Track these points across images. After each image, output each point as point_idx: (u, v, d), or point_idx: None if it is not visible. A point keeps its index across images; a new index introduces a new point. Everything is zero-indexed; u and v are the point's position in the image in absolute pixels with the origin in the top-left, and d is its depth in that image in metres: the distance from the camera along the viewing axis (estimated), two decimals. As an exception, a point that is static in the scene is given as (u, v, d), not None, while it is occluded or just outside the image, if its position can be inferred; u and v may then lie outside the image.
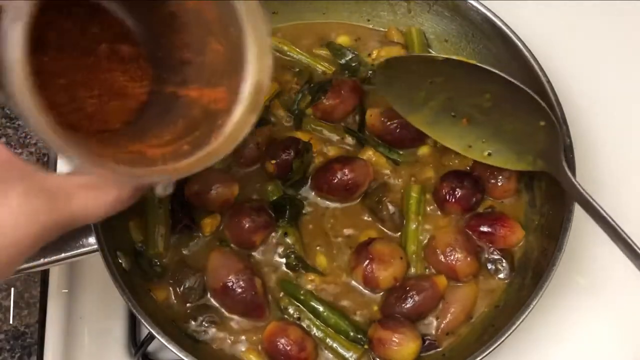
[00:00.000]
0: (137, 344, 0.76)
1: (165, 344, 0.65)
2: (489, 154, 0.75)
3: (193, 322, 0.72)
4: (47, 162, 0.81)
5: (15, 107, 0.44)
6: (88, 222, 0.48)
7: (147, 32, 0.58)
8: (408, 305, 0.70)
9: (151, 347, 0.76)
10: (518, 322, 0.66)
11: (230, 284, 0.70)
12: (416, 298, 0.71)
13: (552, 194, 0.75)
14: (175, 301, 0.73)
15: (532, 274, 0.72)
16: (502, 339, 0.66)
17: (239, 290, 0.70)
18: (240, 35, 0.54)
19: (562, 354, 0.79)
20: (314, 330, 0.72)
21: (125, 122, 0.58)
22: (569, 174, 0.68)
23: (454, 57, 0.71)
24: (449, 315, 0.72)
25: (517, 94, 0.69)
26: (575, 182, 0.68)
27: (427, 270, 0.74)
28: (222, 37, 0.55)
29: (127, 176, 0.48)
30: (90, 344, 0.78)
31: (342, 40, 0.86)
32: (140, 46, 0.59)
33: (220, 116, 0.54)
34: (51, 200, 0.45)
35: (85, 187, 0.47)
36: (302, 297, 0.72)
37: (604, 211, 0.65)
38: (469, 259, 0.72)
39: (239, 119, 0.54)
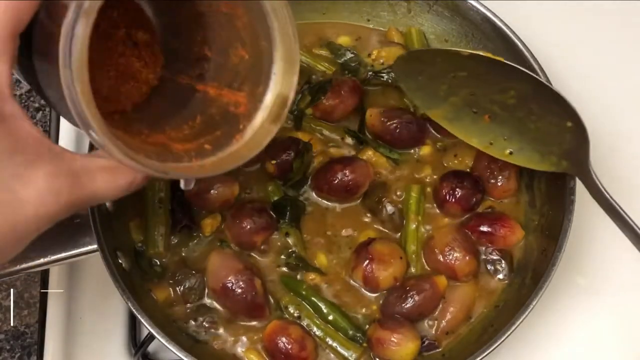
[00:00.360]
0: (137, 344, 0.76)
1: (165, 344, 0.65)
2: (511, 153, 0.73)
3: (193, 322, 0.72)
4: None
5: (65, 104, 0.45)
6: (102, 202, 0.52)
7: (166, 21, 0.59)
8: (408, 305, 0.70)
9: (151, 347, 0.76)
10: (518, 322, 0.66)
11: (229, 285, 0.70)
12: (416, 298, 0.71)
13: (552, 194, 0.75)
14: (175, 301, 0.73)
15: (532, 274, 0.72)
16: (502, 339, 0.66)
17: (239, 290, 0.70)
18: (270, 48, 0.54)
19: (562, 354, 0.79)
20: (314, 329, 0.72)
21: (137, 105, 0.59)
22: (596, 178, 0.67)
23: (480, 53, 0.70)
24: (448, 314, 0.72)
25: (543, 93, 0.68)
26: (601, 187, 0.66)
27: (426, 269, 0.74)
28: (249, 46, 0.56)
29: (157, 171, 0.49)
30: (90, 344, 0.77)
31: (342, 40, 0.86)
32: (156, 32, 0.60)
33: (241, 121, 0.55)
34: (75, 181, 0.48)
35: (105, 169, 0.50)
36: (303, 293, 0.72)
37: (629, 217, 0.64)
38: (467, 258, 0.72)
39: (260, 127, 0.55)
